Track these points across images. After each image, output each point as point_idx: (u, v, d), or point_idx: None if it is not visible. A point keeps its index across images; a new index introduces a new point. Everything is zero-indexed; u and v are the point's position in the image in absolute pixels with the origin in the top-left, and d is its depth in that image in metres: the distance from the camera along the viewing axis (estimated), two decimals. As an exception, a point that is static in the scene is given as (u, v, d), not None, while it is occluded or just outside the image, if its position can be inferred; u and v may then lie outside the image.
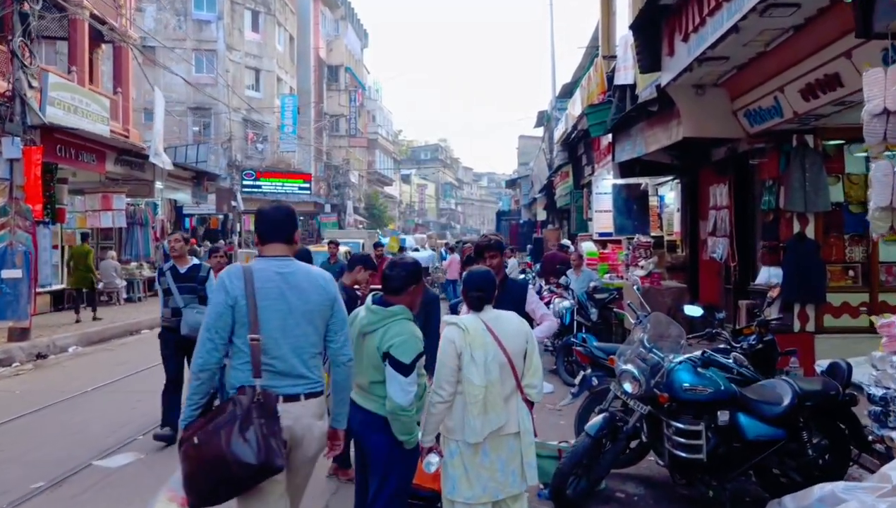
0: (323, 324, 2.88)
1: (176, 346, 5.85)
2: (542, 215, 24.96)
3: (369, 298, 3.33)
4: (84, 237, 16.15)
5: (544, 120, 24.81)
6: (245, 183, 32.26)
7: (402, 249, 20.86)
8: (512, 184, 35.86)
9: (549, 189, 21.43)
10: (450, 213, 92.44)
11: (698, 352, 4.21)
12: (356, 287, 5.07)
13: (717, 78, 7.53)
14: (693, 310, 5.23)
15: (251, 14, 34.86)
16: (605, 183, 13.41)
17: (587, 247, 13.15)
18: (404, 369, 3.01)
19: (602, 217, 13.56)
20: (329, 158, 42.12)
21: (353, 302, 4.60)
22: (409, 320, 3.17)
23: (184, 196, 20.49)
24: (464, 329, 3.19)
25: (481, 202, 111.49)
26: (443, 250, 23.49)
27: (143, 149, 16.47)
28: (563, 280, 10.83)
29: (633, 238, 11.62)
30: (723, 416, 3.99)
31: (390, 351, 3.03)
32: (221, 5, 32.73)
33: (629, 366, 4.09)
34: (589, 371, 5.00)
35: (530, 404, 3.33)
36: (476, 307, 3.30)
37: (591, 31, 17.30)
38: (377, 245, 13.35)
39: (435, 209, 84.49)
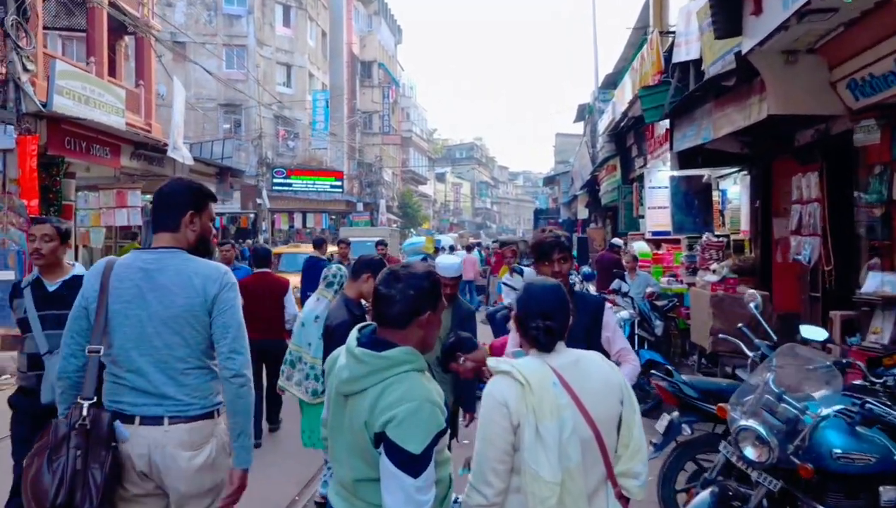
0: (199, 333, 2.38)
1: (33, 422, 3.27)
2: (583, 213, 23.52)
3: (353, 335, 2.01)
4: (133, 236, 15.51)
5: (586, 113, 23.39)
6: (276, 181, 31.55)
7: (436, 250, 19.65)
8: (550, 181, 34.41)
9: (591, 185, 20.02)
10: (485, 213, 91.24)
11: (851, 402, 2.90)
12: (362, 301, 3.89)
13: (815, 41, 6.16)
14: (813, 333, 3.88)
15: (282, 9, 34.18)
16: (661, 175, 12.02)
17: (639, 247, 11.78)
18: (413, 464, 1.75)
19: (656, 214, 12.17)
20: (361, 156, 41.23)
21: (357, 322, 3.40)
22: (421, 372, 1.92)
23: (207, 193, 19.66)
24: (523, 383, 1.98)
25: (517, 201, 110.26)
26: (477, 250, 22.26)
27: (161, 142, 15.58)
28: (615, 284, 9.53)
29: (695, 237, 10.26)
30: (888, 494, 2.70)
31: (387, 431, 1.78)
32: (252, 0, 32.08)
33: (752, 423, 2.81)
34: (676, 415, 3.71)
35: (625, 501, 2.08)
36: (542, 345, 2.08)
37: (639, 9, 15.88)
38: (379, 243, 11.70)
39: (470, 208, 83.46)
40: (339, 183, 34.39)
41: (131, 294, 2.35)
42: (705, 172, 10.27)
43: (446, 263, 4.13)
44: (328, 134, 34.72)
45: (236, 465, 2.40)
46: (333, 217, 34.55)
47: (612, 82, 23.20)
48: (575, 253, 16.64)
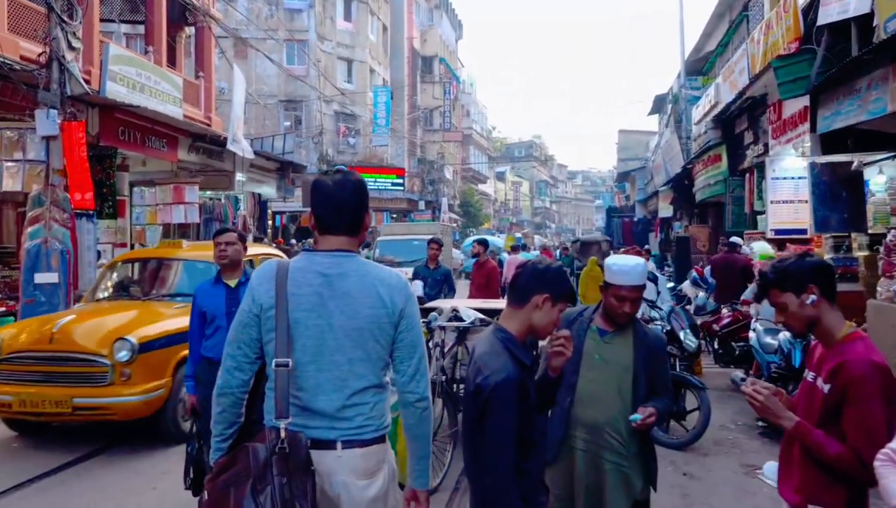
0: (382, 348, 2.10)
1: None
2: (665, 210, 21.65)
3: None
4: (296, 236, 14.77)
5: (669, 102, 21.51)
6: (336, 179, 30.62)
7: (514, 249, 18.20)
8: (624, 177, 32.44)
9: (679, 180, 18.22)
10: (544, 212, 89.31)
11: None
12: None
13: None
14: None
15: (343, 2, 33.38)
16: (788, 163, 10.28)
17: (760, 247, 10.06)
18: None
19: (780, 209, 10.42)
20: (423, 153, 40.12)
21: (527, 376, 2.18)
22: None
23: (268, 189, 18.67)
24: None
25: (576, 201, 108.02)
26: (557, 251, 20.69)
27: (220, 135, 14.63)
28: (749, 292, 7.93)
29: (842, 236, 8.53)
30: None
31: None
32: (313, -7, 31.34)
33: None
34: None
35: None
36: None
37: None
38: (432, 241, 9.71)
39: (529, 208, 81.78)
40: (400, 180, 33.34)
41: (312, 302, 2.07)
42: (855, 158, 8.52)
43: (622, 266, 2.74)
44: (389, 130, 33.70)
45: (418, 487, 2.19)
46: (395, 215, 33.53)
47: (697, 69, 21.33)
48: (652, 255, 14.83)
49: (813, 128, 8.67)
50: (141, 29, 16.39)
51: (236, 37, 28.59)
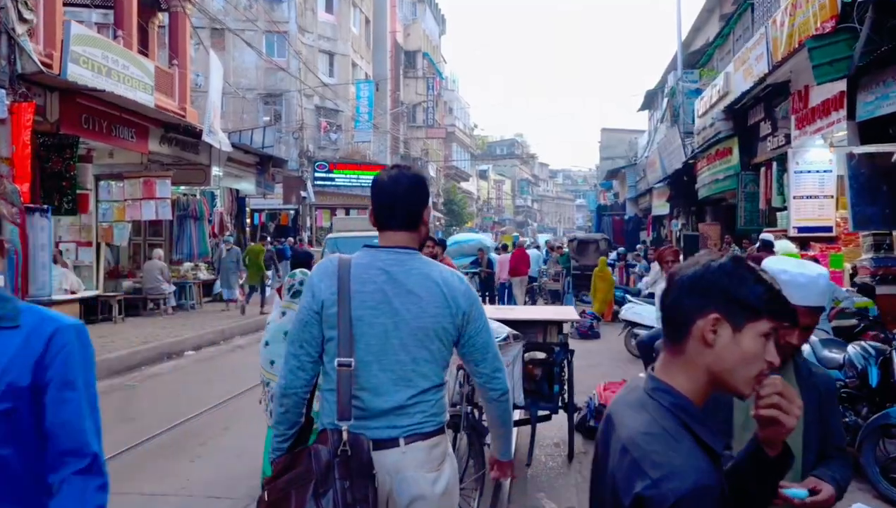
0: (447, 349, 2.04)
1: None
2: (661, 208, 20.95)
3: None
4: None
5: (666, 95, 20.81)
6: (318, 175, 29.62)
7: (504, 248, 17.35)
8: (614, 174, 31.74)
9: (677, 176, 17.51)
10: (526, 211, 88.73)
11: None
12: None
13: None
14: None
15: (325, -7, 32.36)
16: (814, 155, 9.56)
17: (783, 246, 9.27)
18: None
19: (805, 204, 9.69)
20: (406, 149, 39.18)
21: None
22: None
23: (247, 185, 17.63)
24: None
25: (557, 199, 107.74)
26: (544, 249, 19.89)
27: (195, 126, 13.60)
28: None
29: (882, 234, 7.78)
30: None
31: None
32: (293, -17, 30.24)
33: None
34: None
35: None
36: None
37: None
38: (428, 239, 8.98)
39: (511, 206, 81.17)
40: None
41: (376, 299, 1.98)
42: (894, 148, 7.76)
43: (795, 276, 1.87)
44: (371, 126, 32.72)
45: (504, 458, 2.28)
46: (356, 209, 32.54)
47: (691, 63, 20.67)
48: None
49: (850, 116, 7.91)
50: (106, 9, 15.27)
51: (213, 27, 27.58)
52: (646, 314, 9.95)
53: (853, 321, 6.88)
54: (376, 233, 2.11)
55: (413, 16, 43.62)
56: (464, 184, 53.90)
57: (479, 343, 2.07)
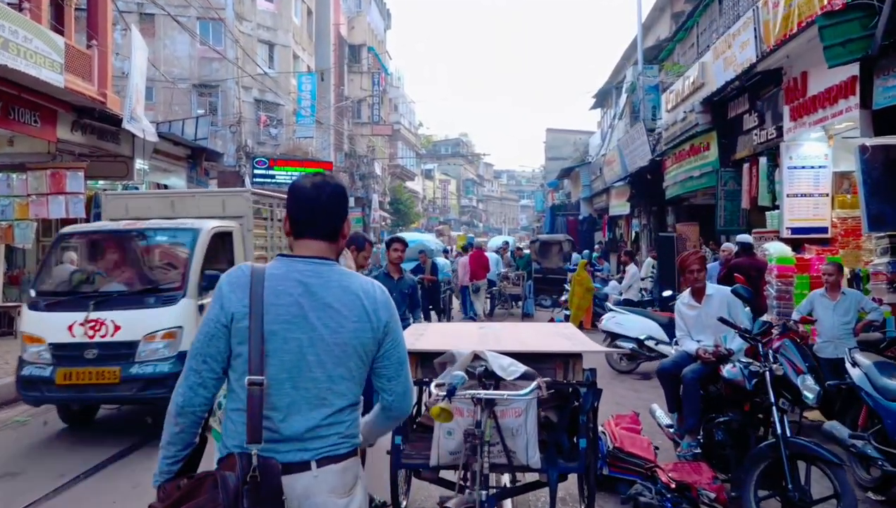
0: (365, 366, 1.96)
1: None
2: (621, 208, 20.20)
3: None
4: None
5: (626, 91, 20.08)
6: (256, 172, 27.87)
7: (465, 249, 16.22)
8: (567, 173, 31.00)
9: (639, 175, 16.73)
10: (472, 211, 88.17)
11: None
12: None
13: None
14: None
15: (264, -20, 30.58)
16: (809, 149, 8.75)
17: (777, 249, 8.48)
18: None
19: (798, 203, 8.90)
20: (352, 146, 37.65)
21: None
22: None
23: (177, 180, 15.92)
24: None
25: (502, 200, 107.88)
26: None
27: (113, 112, 11.94)
28: (805, 305, 6.24)
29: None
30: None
31: None
32: (230, -33, 28.39)
33: None
34: None
35: None
36: None
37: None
38: (396, 240, 7.29)
39: (457, 206, 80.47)
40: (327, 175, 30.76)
41: (291, 313, 1.86)
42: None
43: None
44: (315, 121, 31.11)
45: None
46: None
47: (650, 58, 20.01)
48: (660, 260, 13.18)
49: (864, 104, 7.06)
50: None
51: (142, 15, 25.56)
52: (629, 325, 8.96)
53: (877, 335, 6.02)
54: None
55: (358, 9, 42.12)
56: (409, 184, 52.71)
57: (395, 358, 2.01)
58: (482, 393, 2.99)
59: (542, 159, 67.12)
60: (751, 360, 4.27)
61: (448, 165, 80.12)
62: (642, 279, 12.48)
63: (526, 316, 15.49)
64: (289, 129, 31.28)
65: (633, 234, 21.65)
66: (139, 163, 13.23)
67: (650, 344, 8.74)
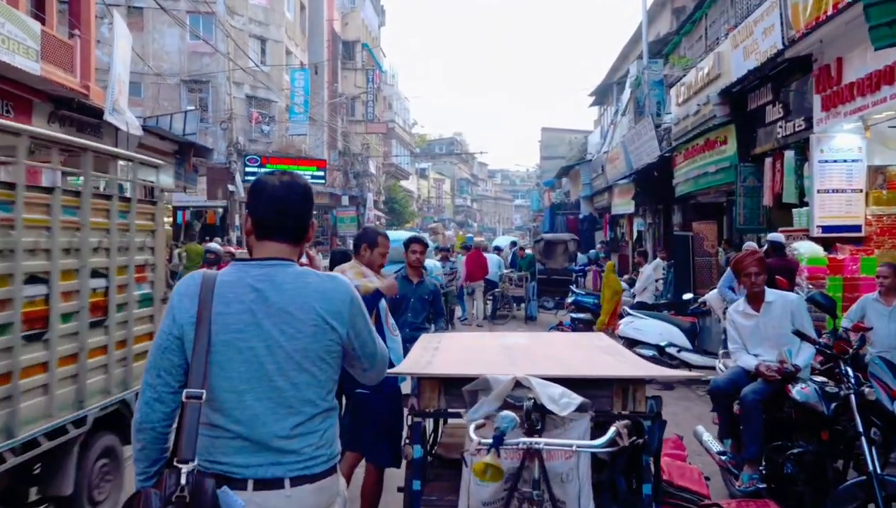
0: (331, 368, 1.87)
1: None
2: (624, 207, 19.58)
3: None
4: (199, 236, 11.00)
5: (631, 85, 19.49)
6: (248, 170, 27.12)
7: (466, 248, 15.56)
8: (566, 172, 30.38)
9: (645, 172, 16.12)
10: (466, 210, 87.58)
11: None
12: None
13: None
14: None
15: (256, -27, 29.85)
16: (843, 141, 8.15)
17: (808, 248, 7.88)
18: None
19: (830, 200, 8.28)
20: (346, 143, 36.93)
21: None
22: None
23: (164, 177, 15.10)
24: None
25: (496, 199, 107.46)
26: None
27: (94, 104, 11.23)
28: (856, 312, 5.62)
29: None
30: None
31: None
32: (221, -41, 27.64)
33: None
34: None
35: None
36: None
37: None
38: (415, 240, 6.74)
39: (451, 206, 79.90)
40: (321, 173, 29.95)
41: (244, 321, 1.78)
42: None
43: None
44: (307, 118, 30.40)
45: None
46: (315, 212, 30.21)
47: (654, 52, 19.41)
48: (675, 260, 12.55)
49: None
50: None
51: (131, 9, 24.80)
52: (648, 330, 8.32)
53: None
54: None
55: (352, 4, 41.36)
56: (404, 183, 52.05)
57: (367, 354, 1.96)
58: (541, 443, 2.33)
59: (536, 158, 66.56)
60: (826, 380, 3.63)
61: (442, 164, 79.57)
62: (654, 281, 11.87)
63: (529, 320, 14.86)
64: (281, 126, 30.57)
65: (636, 233, 21.07)
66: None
67: (672, 351, 8.12)
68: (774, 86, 9.48)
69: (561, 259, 14.98)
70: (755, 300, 4.19)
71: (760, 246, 9.73)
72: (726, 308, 8.44)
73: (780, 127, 9.28)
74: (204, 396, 1.74)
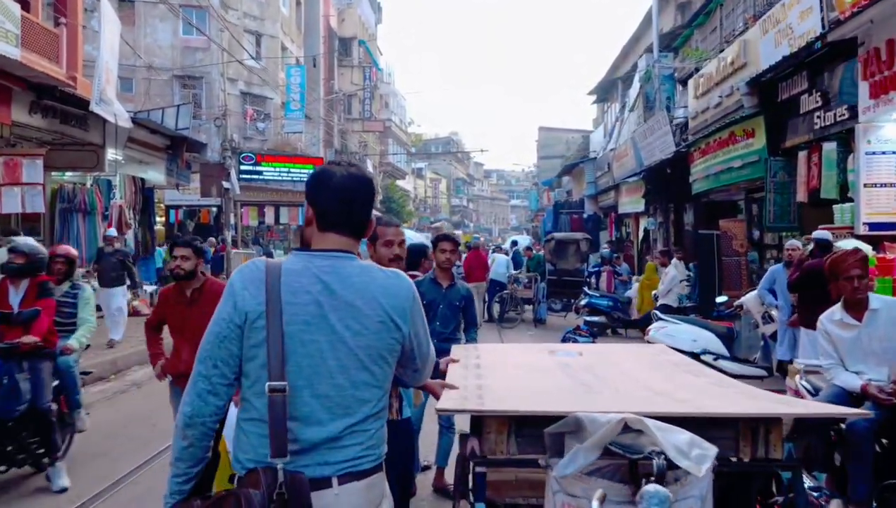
0: (390, 368, 1.80)
1: None
2: (633, 205, 18.93)
3: None
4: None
5: (641, 79, 18.87)
6: (243, 168, 26.42)
7: (471, 248, 14.86)
8: (569, 170, 29.72)
9: (657, 169, 15.48)
10: (462, 210, 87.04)
11: None
12: None
13: None
14: None
15: (251, -33, 29.19)
16: (892, 131, 7.51)
17: (853, 247, 7.21)
18: None
19: (878, 195, 7.64)
20: (343, 141, 36.25)
21: None
22: None
23: (155, 174, 14.45)
24: None
25: (492, 200, 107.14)
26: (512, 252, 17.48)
27: (79, 94, 10.51)
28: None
29: None
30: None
31: None
32: (215, -49, 26.91)
33: None
34: None
35: None
36: None
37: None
38: (444, 239, 6.54)
39: (447, 206, 79.37)
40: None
41: (310, 313, 1.69)
42: None
43: None
44: (304, 115, 29.70)
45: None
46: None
47: (662, 46, 18.78)
48: (700, 260, 11.93)
49: None
50: None
51: (122, 2, 24.09)
52: (681, 336, 7.66)
53: None
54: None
55: (348, 0, 40.68)
56: (400, 183, 51.41)
57: (422, 354, 1.92)
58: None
59: (533, 158, 65.98)
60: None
61: (438, 164, 79.09)
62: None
63: (538, 322, 14.21)
64: (277, 124, 29.89)
65: (642, 232, 20.44)
66: (111, 153, 11.79)
67: (707, 359, 7.46)
68: (810, 74, 8.84)
69: (573, 259, 14.33)
70: (856, 307, 3.54)
71: (782, 245, 9.13)
72: (765, 312, 7.82)
73: (818, 117, 8.63)
74: (286, 389, 1.64)
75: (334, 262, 1.75)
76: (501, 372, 3.09)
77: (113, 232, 10.62)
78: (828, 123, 8.45)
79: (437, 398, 2.48)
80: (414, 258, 4.80)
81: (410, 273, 4.61)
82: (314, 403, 1.68)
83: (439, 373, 2.90)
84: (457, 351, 3.65)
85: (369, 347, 1.72)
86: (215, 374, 1.70)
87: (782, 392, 4.19)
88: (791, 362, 7.43)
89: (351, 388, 1.70)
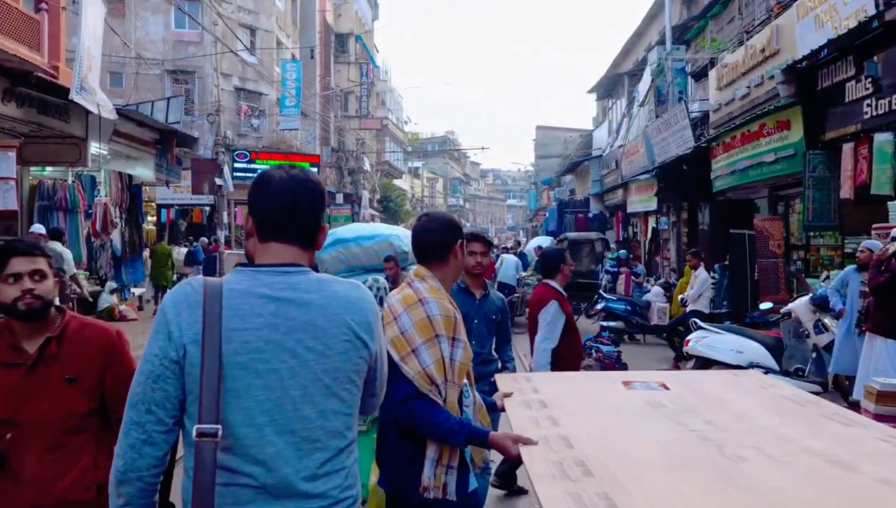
0: (359, 390, 1.60)
1: None
2: (645, 204, 18.18)
3: None
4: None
5: (653, 74, 18.14)
6: (237, 166, 25.61)
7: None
8: (573, 168, 28.97)
9: (672, 166, 14.76)
10: (459, 210, 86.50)
11: None
12: None
13: None
14: None
15: (245, -40, 28.44)
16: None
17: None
18: None
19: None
20: (340, 139, 35.47)
21: None
22: None
23: (143, 170, 13.60)
24: None
25: (489, 199, 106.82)
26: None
27: (61, 82, 9.70)
28: None
29: None
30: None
31: None
32: (208, -58, 26.13)
33: None
34: None
35: None
36: None
37: None
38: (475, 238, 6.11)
39: (444, 205, 78.81)
40: (314, 169, 28.50)
41: (263, 338, 1.47)
42: None
43: None
44: (299, 112, 28.93)
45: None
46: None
47: (679, 37, 18.06)
48: (732, 260, 11.15)
49: None
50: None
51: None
52: (723, 347, 6.89)
53: None
54: None
55: (345, -5, 39.94)
56: (397, 182, 50.74)
57: (383, 376, 1.71)
58: None
59: (530, 157, 65.33)
60: None
61: (435, 163, 78.62)
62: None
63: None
64: (272, 120, 29.14)
65: (651, 232, 19.76)
66: (95, 147, 10.96)
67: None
68: (857, 58, 8.10)
69: (587, 261, 13.59)
70: None
71: (810, 244, 8.37)
72: (818, 321, 7.06)
73: (869, 105, 7.89)
74: (220, 433, 1.40)
75: (287, 278, 1.53)
76: (580, 416, 2.33)
77: (38, 228, 9.58)
78: (881, 112, 7.71)
79: (512, 458, 1.93)
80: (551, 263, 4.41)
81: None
82: (279, 441, 1.46)
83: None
84: (505, 381, 2.89)
85: (336, 370, 1.52)
86: (150, 421, 1.46)
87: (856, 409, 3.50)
88: (848, 378, 6.70)
89: (319, 419, 1.51)
